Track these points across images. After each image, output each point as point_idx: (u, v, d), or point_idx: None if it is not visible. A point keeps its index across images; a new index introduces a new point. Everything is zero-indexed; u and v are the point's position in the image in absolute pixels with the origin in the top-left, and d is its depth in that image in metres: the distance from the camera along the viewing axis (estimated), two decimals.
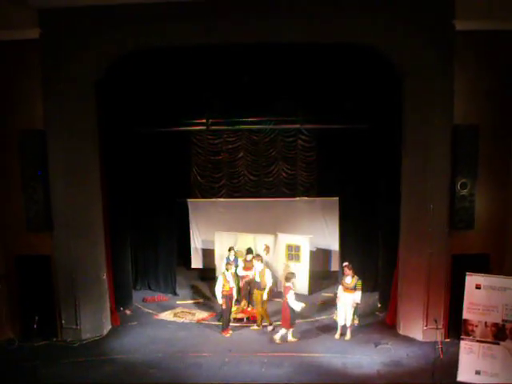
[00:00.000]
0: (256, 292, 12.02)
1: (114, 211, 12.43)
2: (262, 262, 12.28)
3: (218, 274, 14.45)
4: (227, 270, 11.69)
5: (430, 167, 10.62)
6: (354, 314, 11.22)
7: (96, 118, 11.39)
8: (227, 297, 11.54)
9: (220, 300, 11.59)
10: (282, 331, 11.19)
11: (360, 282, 11.16)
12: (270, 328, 11.80)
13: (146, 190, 14.20)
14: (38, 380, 8.89)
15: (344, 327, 11.34)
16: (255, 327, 11.98)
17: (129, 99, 12.19)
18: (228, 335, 11.55)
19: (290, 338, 11.22)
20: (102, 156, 11.68)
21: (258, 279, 12.02)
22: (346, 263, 11.65)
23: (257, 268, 12.08)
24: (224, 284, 11.51)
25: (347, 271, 11.19)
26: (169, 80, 11.77)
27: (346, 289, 11.16)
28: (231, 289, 11.64)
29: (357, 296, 11.12)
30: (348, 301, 11.13)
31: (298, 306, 10.96)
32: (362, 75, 11.51)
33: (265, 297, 11.78)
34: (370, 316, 12.71)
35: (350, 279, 11.13)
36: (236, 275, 13.24)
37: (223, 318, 11.68)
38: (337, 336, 11.38)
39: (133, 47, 10.89)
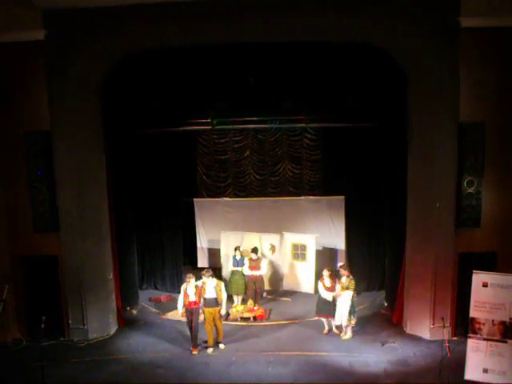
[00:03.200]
0: (210, 310, 10.81)
1: (121, 211, 12.48)
2: (213, 276, 11.02)
3: (225, 273, 14.57)
4: (188, 283, 10.71)
5: (436, 165, 10.59)
6: (349, 314, 11.12)
7: (101, 119, 11.44)
8: (188, 311, 10.77)
9: (180, 313, 10.98)
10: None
11: (353, 283, 11.14)
12: (210, 350, 10.93)
13: (152, 190, 14.25)
14: (45, 380, 8.91)
15: (340, 327, 11.44)
16: (195, 352, 10.84)
17: (134, 99, 12.15)
18: (195, 353, 10.76)
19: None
20: (107, 156, 11.72)
21: (212, 295, 10.80)
22: (341, 263, 11.93)
23: (211, 284, 10.82)
24: (184, 299, 10.74)
25: (343, 272, 11.26)
26: (174, 80, 11.77)
27: (342, 288, 11.16)
28: (191, 303, 10.69)
29: (347, 295, 11.08)
30: (342, 300, 11.14)
31: (327, 296, 11.33)
32: (367, 74, 11.42)
33: (223, 311, 11.05)
34: (376, 315, 12.71)
35: (345, 279, 11.18)
36: (242, 274, 13.30)
37: (191, 333, 10.91)
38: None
39: (138, 47, 10.92)
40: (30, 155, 10.95)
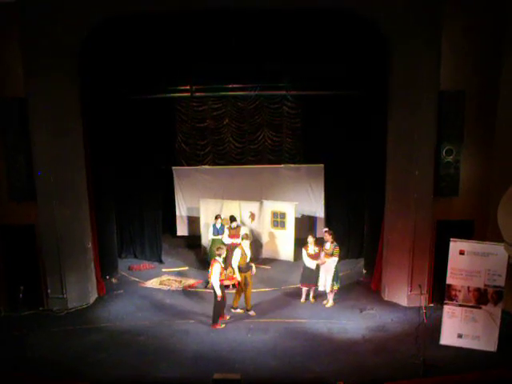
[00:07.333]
0: (246, 274, 10.91)
1: (99, 179, 12.29)
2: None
3: (204, 241, 14.56)
4: (220, 256, 10.39)
5: (416, 133, 10.59)
6: (333, 280, 11.22)
7: (79, 84, 11.15)
8: (223, 286, 10.46)
9: (219, 291, 10.20)
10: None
11: (337, 249, 11.20)
12: (239, 310, 11.17)
13: (131, 158, 14.04)
14: (24, 349, 8.89)
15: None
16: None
17: (113, 65, 11.82)
18: (223, 326, 10.44)
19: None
20: (85, 123, 11.46)
21: (248, 258, 10.99)
22: (325, 229, 11.79)
23: (247, 247, 11.03)
24: (221, 272, 10.26)
25: (327, 236, 11.28)
26: (153, 46, 11.46)
27: (326, 255, 11.23)
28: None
29: (332, 262, 11.17)
30: (328, 267, 11.22)
31: (310, 263, 11.36)
32: (349, 42, 11.26)
33: (254, 270, 11.08)
34: (355, 282, 12.87)
35: (329, 245, 11.23)
36: (222, 243, 13.28)
37: (216, 310, 10.40)
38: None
39: (116, 11, 10.55)
40: (5, 122, 10.65)
